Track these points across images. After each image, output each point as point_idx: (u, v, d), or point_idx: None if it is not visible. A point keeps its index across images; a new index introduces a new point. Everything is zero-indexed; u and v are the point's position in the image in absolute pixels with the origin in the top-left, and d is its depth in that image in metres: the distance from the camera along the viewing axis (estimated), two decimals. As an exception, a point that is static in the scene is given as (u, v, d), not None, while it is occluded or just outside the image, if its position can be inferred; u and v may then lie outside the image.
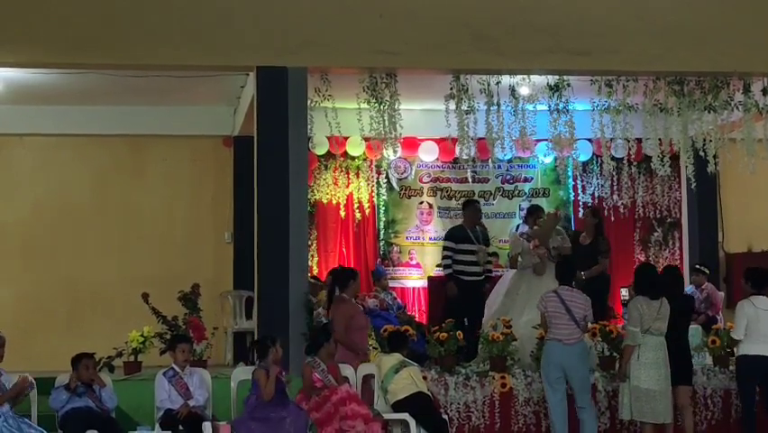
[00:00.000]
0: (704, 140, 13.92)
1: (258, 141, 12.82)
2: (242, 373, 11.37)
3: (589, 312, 11.78)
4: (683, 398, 11.88)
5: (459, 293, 14.16)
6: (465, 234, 14.39)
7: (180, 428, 10.71)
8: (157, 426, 10.75)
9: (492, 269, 14.89)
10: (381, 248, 17.93)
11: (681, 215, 18.08)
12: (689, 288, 15.84)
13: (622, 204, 18.07)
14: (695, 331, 13.24)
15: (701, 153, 13.94)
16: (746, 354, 11.80)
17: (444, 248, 14.57)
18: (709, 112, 13.69)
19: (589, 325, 12.01)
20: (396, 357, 11.71)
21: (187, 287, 13.47)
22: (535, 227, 13.81)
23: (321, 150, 16.86)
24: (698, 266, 16.37)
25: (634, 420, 11.74)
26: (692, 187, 14.33)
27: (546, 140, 14.91)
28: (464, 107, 13.32)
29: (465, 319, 13.90)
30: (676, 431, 11.82)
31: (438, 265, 17.11)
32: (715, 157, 13.93)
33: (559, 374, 11.64)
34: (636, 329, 11.41)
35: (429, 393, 11.69)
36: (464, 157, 14.16)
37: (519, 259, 13.89)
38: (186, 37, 12.56)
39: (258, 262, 12.66)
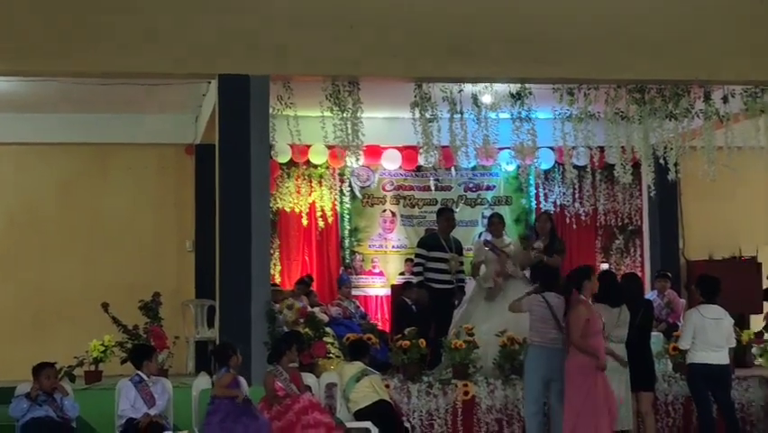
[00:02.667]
0: (665, 148, 14.00)
1: (220, 149, 12.77)
2: (204, 382, 11.34)
3: None
4: (645, 404, 11.93)
5: (429, 301, 14.15)
6: (438, 243, 14.36)
7: (141, 437, 10.68)
8: (117, 435, 10.73)
9: (464, 278, 14.88)
10: (344, 256, 17.92)
11: (642, 222, 18.20)
12: (650, 294, 15.93)
13: (584, 212, 18.17)
14: (656, 338, 13.29)
15: (662, 161, 14.01)
16: (694, 363, 11.86)
17: (416, 255, 14.55)
18: (670, 120, 13.77)
19: None
20: (357, 366, 11.69)
21: (149, 295, 13.41)
22: (505, 257, 13.70)
23: (283, 158, 16.84)
24: (660, 271, 16.47)
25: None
26: (653, 194, 14.39)
27: (509, 148, 14.96)
28: (427, 116, 13.33)
29: (432, 327, 13.91)
30: (638, 437, 11.90)
31: (401, 273, 17.16)
32: (676, 165, 14.00)
33: (545, 380, 11.62)
34: (598, 336, 11.46)
35: (391, 401, 11.68)
36: (427, 165, 14.17)
37: (483, 267, 13.88)
38: (147, 44, 12.48)
39: (220, 270, 12.62)
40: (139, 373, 11.16)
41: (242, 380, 11.14)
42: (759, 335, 14.96)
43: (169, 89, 14.42)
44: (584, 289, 11.23)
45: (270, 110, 12.91)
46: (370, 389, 11.48)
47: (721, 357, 11.83)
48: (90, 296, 14.98)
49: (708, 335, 11.77)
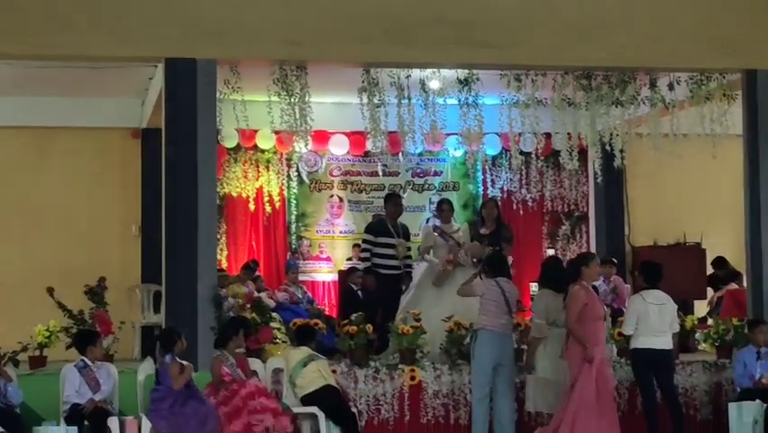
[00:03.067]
0: (611, 134, 14.07)
1: (166, 133, 12.68)
2: (149, 367, 11.27)
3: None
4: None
5: (376, 286, 14.16)
6: (385, 228, 14.36)
7: (86, 423, 10.59)
8: (62, 421, 10.64)
9: (411, 263, 14.89)
10: (291, 242, 17.88)
11: (588, 208, 18.31)
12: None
13: (530, 198, 18.24)
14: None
15: (608, 148, 14.09)
16: (637, 348, 11.94)
17: (363, 241, 14.55)
18: (617, 107, 13.83)
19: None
20: (303, 351, 11.67)
21: (94, 280, 13.31)
22: (455, 246, 13.70)
23: (230, 142, 16.76)
24: (607, 258, 16.58)
25: (540, 411, 11.85)
26: (599, 181, 14.47)
27: (456, 134, 14.96)
28: (375, 101, 13.32)
29: (379, 312, 13.92)
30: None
31: (349, 259, 17.16)
32: (622, 151, 14.06)
33: (494, 365, 11.67)
34: (542, 322, 11.55)
35: (337, 386, 11.68)
36: (375, 150, 14.17)
37: (431, 252, 13.87)
38: (92, 27, 12.36)
39: (166, 255, 12.54)
40: (83, 358, 11.08)
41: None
42: (703, 320, 15.13)
43: (114, 73, 14.32)
44: (583, 275, 11.35)
45: (217, 94, 12.83)
46: (317, 374, 11.46)
47: (664, 342, 11.92)
48: (32, 281, 14.87)
49: (652, 320, 11.86)
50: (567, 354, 11.20)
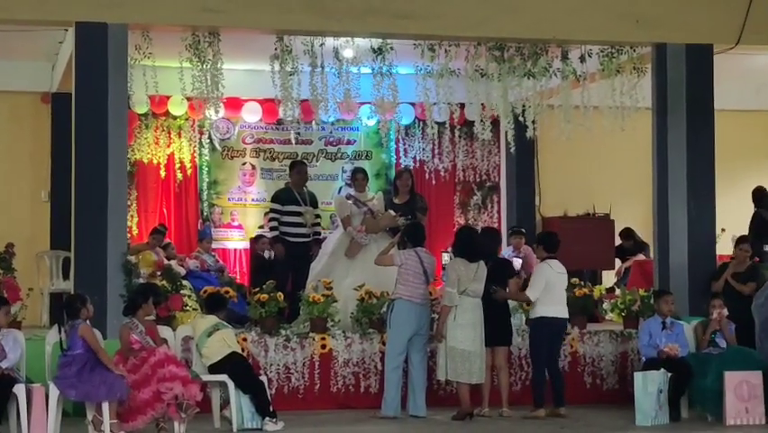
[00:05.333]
0: (523, 106, 14.17)
1: (76, 98, 12.54)
2: (57, 334, 11.13)
3: None
4: (501, 358, 12.15)
5: (285, 254, 14.16)
6: (291, 196, 14.36)
7: (-8, 390, 10.48)
8: (-33, 389, 10.51)
9: (320, 231, 14.89)
10: (203, 209, 17.79)
11: (499, 179, 18.44)
12: (505, 250, 16.17)
13: (443, 167, 18.30)
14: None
15: (521, 119, 14.18)
16: (544, 316, 12.05)
17: (270, 210, 14.53)
18: (529, 78, 13.90)
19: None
20: (210, 320, 11.62)
21: (1, 246, 13.13)
22: (369, 216, 13.69)
23: (142, 108, 16.58)
24: (515, 228, 16.71)
25: (450, 380, 11.95)
26: (512, 151, 14.57)
27: (370, 103, 14.96)
28: (288, 69, 13.27)
29: (289, 280, 13.92)
30: (492, 391, 12.09)
31: (260, 227, 17.10)
32: (533, 122, 14.18)
33: (410, 335, 11.74)
34: (453, 290, 11.63)
35: (244, 355, 11.67)
36: (288, 118, 14.14)
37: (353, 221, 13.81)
38: (1, -11, 12.19)
39: (75, 221, 12.42)
40: (-10, 325, 10.94)
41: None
42: (610, 290, 15.32)
43: (24, 36, 14.09)
44: None
45: (129, 60, 12.70)
46: (221, 343, 11.42)
47: (565, 311, 12.22)
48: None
49: (557, 289, 12.04)
50: None
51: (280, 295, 12.70)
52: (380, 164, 18.42)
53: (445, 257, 16.48)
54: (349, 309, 12.92)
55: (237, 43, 13.38)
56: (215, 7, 12.68)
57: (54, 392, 10.48)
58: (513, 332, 12.45)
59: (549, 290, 11.99)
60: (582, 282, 13.80)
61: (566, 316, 12.23)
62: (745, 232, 14.80)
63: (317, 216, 14.62)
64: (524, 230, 16.61)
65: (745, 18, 13.64)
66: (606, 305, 14.34)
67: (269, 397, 11.44)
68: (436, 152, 18.18)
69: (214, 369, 11.33)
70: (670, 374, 11.77)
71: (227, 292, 12.75)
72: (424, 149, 18.27)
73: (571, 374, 12.95)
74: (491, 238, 12.83)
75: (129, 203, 15.46)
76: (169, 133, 17.45)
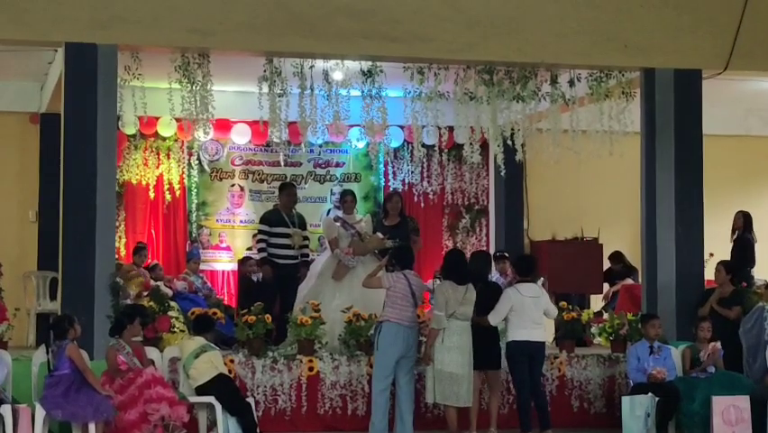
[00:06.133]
0: (512, 129, 14.21)
1: (65, 118, 12.53)
2: (44, 354, 11.11)
3: None
4: (493, 382, 12.15)
5: (273, 276, 14.15)
6: (280, 218, 14.36)
7: (-23, 411, 10.45)
8: (-47, 409, 10.48)
9: (309, 253, 14.87)
10: (191, 230, 17.77)
11: (488, 202, 18.45)
12: (492, 274, 16.12)
13: (431, 190, 18.33)
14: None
15: (509, 142, 14.21)
16: (515, 340, 12.04)
17: (259, 231, 14.53)
18: (518, 102, 13.95)
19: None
20: (197, 341, 11.61)
21: (-11, 267, 13.11)
22: (357, 238, 13.68)
23: (131, 129, 16.58)
24: (499, 253, 16.69)
25: (438, 403, 11.94)
26: (502, 174, 14.61)
27: (359, 125, 14.98)
28: (277, 90, 13.29)
29: (278, 302, 13.90)
30: (480, 414, 12.07)
31: (249, 248, 17.08)
32: (522, 146, 14.22)
33: (398, 357, 11.71)
34: (441, 313, 11.61)
35: (230, 377, 11.65)
36: (276, 140, 14.15)
37: (341, 243, 13.80)
38: (-9, 10, 12.19)
39: (63, 242, 12.40)
40: (-25, 346, 10.92)
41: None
42: (598, 314, 15.33)
43: (13, 56, 14.10)
44: None
45: (118, 80, 12.70)
46: (209, 365, 11.41)
47: (539, 334, 12.15)
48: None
49: (528, 312, 12.02)
50: None
51: (268, 317, 12.67)
52: (369, 187, 18.43)
53: (430, 282, 16.42)
54: (336, 332, 12.90)
55: (227, 65, 13.40)
56: (205, 29, 12.70)
57: (40, 413, 10.46)
58: (502, 355, 12.44)
59: (519, 314, 11.98)
60: (571, 306, 13.81)
61: (541, 339, 12.18)
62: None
63: (305, 238, 14.60)
64: (507, 254, 16.56)
65: (734, 44, 13.73)
66: (594, 329, 14.32)
67: (255, 419, 11.43)
68: (425, 174, 18.21)
69: (201, 390, 11.31)
70: (657, 398, 11.76)
71: (215, 313, 12.73)
72: (412, 172, 18.29)
73: (559, 398, 12.95)
74: (482, 261, 12.81)
75: (117, 224, 15.43)
76: (158, 154, 17.44)
